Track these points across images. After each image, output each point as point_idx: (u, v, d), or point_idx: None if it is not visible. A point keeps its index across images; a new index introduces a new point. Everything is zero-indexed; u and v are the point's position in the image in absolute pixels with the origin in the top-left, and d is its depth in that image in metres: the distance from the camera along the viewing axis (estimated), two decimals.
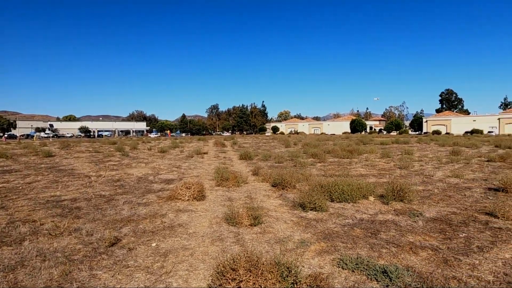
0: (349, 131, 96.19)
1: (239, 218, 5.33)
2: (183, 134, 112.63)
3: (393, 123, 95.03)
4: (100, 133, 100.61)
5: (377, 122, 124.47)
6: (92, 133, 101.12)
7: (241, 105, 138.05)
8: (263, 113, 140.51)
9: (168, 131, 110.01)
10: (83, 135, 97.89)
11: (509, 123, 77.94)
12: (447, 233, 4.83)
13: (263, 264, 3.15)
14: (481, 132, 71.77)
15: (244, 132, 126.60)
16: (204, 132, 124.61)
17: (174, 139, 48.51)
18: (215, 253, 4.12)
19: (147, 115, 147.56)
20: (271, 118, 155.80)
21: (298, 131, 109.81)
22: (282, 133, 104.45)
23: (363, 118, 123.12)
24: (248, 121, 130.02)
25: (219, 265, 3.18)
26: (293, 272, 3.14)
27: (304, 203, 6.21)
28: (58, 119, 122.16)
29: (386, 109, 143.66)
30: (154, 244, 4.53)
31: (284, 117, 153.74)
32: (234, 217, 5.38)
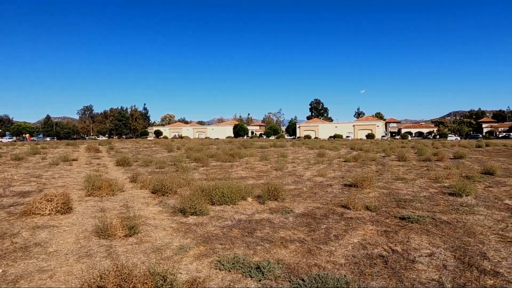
0: (233, 135, 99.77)
1: (112, 229, 4.89)
2: (48, 139, 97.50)
3: (271, 128, 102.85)
4: None
5: (258, 127, 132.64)
6: None
7: (119, 107, 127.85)
8: (145, 116, 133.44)
9: (28, 135, 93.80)
10: None
11: (361, 129, 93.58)
12: (312, 226, 5.46)
13: (136, 276, 2.96)
14: (341, 136, 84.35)
15: (124, 137, 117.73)
16: (75, 136, 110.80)
17: (35, 144, 41.49)
18: (80, 272, 3.67)
19: None
20: (154, 121, 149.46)
21: (182, 136, 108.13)
22: (165, 137, 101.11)
23: (245, 123, 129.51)
24: (128, 124, 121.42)
25: (83, 284, 2.84)
26: (168, 280, 3.04)
27: (185, 208, 6.13)
28: None
29: (265, 115, 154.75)
30: (0, 271, 3.76)
31: (168, 121, 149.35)
32: (106, 229, 4.92)
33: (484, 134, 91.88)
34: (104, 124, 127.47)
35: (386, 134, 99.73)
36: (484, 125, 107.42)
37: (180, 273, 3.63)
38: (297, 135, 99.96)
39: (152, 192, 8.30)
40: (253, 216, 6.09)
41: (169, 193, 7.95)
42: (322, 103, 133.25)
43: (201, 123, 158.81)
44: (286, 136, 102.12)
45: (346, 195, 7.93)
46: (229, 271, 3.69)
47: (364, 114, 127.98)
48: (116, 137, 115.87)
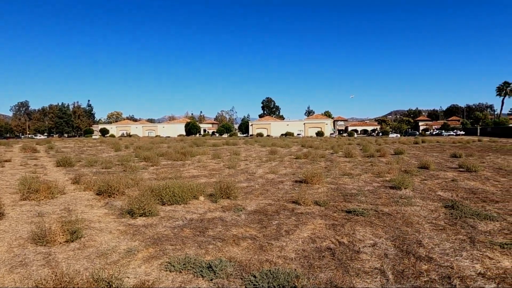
0: (184, 133, 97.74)
1: (51, 235, 4.54)
2: None
3: (224, 126, 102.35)
4: None
5: (211, 125, 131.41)
6: None
7: (60, 104, 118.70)
8: (89, 113, 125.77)
9: None
10: None
11: (311, 127, 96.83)
12: (264, 223, 5.53)
13: (78, 284, 2.78)
14: (292, 134, 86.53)
15: (66, 135, 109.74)
16: (8, 135, 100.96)
17: None
18: (13, 283, 3.35)
19: None
20: (100, 119, 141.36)
21: (131, 134, 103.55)
22: (112, 136, 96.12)
23: (197, 121, 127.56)
24: (70, 122, 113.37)
25: None
26: (114, 285, 2.89)
27: (133, 210, 5.87)
28: None
29: (218, 113, 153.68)
30: None
31: (115, 118, 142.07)
32: (44, 235, 4.55)
33: (420, 131, 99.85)
34: (43, 121, 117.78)
35: (334, 131, 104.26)
36: (420, 123, 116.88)
37: (128, 277, 3.47)
38: (250, 133, 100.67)
39: (97, 194, 7.84)
40: (205, 215, 6.01)
41: (116, 194, 7.57)
42: (274, 102, 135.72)
43: (151, 121, 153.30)
44: (239, 134, 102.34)
45: (297, 191, 8.14)
46: (180, 272, 3.61)
47: (314, 112, 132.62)
48: (57, 135, 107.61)
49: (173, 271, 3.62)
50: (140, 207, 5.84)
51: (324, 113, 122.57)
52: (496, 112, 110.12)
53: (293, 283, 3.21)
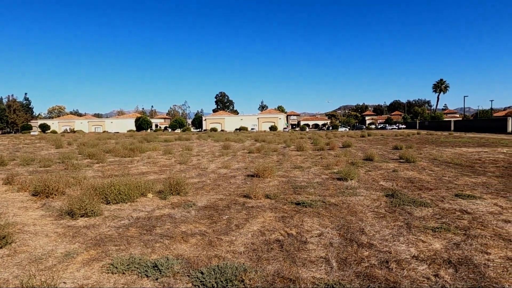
0: (135, 129, 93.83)
1: None
2: None
3: (177, 121, 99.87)
4: None
5: (163, 120, 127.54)
6: None
7: None
8: (27, 108, 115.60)
9: None
10: None
11: (265, 122, 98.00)
12: (214, 218, 5.47)
13: None
14: (246, 129, 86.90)
15: None
16: None
17: None
18: None
19: None
20: (39, 114, 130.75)
21: (75, 130, 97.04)
22: (54, 132, 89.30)
23: (148, 116, 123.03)
24: (4, 117, 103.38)
25: None
26: None
27: (73, 210, 5.49)
28: None
29: (170, 108, 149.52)
30: None
31: (57, 113, 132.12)
32: None
33: (367, 125, 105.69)
34: None
35: (287, 126, 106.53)
36: (367, 118, 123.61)
37: (64, 282, 3.23)
38: (204, 128, 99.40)
39: (33, 195, 7.23)
40: (153, 213, 5.81)
41: (55, 195, 7.03)
42: (228, 96, 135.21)
43: (98, 115, 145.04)
44: (192, 129, 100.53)
45: (249, 185, 8.18)
46: (123, 273, 3.44)
47: (267, 107, 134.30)
48: None
49: (115, 273, 3.44)
50: (81, 207, 5.48)
51: (278, 108, 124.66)
52: (432, 107, 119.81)
53: (241, 277, 3.21)
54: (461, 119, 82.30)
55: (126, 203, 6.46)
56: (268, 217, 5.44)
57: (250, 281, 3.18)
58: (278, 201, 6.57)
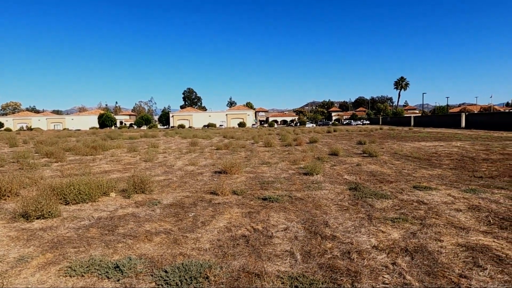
0: (98, 126, 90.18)
1: None
2: None
3: (143, 118, 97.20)
4: None
5: (128, 117, 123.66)
6: None
7: None
8: None
9: None
10: None
11: (234, 118, 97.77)
12: (180, 215, 5.38)
13: None
14: (214, 125, 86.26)
15: None
16: None
17: None
18: None
19: None
20: None
21: (32, 127, 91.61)
22: (8, 129, 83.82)
23: (112, 112, 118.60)
24: None
25: None
26: None
27: (28, 212, 5.18)
28: None
29: (136, 104, 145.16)
30: None
31: (11, 110, 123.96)
32: None
33: (333, 121, 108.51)
34: None
35: (256, 122, 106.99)
36: (333, 114, 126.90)
37: None
38: (171, 124, 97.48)
39: None
40: (115, 212, 5.61)
41: (8, 196, 6.60)
42: (196, 92, 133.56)
43: (57, 112, 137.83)
44: (159, 126, 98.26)
45: (216, 182, 8.13)
46: (82, 276, 3.30)
47: (236, 103, 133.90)
48: None
49: (73, 276, 3.29)
50: (37, 208, 5.18)
51: (246, 104, 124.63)
52: (394, 104, 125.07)
53: (205, 274, 3.18)
54: (420, 115, 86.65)
55: (87, 203, 6.20)
56: (234, 213, 5.44)
57: (215, 278, 3.17)
58: (245, 197, 6.58)
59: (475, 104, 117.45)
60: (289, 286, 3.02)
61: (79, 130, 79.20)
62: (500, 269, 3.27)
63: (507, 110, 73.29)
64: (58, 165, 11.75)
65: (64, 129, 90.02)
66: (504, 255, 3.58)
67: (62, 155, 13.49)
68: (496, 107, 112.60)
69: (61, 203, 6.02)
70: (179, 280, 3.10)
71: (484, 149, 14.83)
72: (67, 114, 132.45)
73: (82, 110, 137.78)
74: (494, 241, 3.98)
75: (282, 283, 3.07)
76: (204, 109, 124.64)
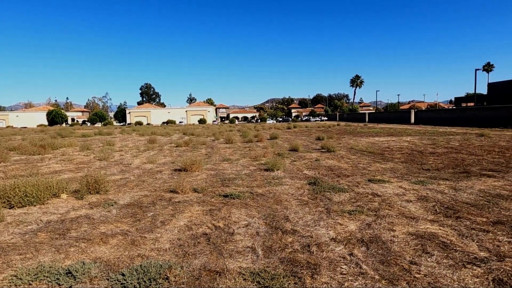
0: (47, 123, 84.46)
1: None
2: None
3: (97, 115, 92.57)
4: None
5: (80, 114, 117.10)
6: None
7: None
8: None
9: None
10: None
11: (194, 115, 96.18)
12: (138, 216, 5.19)
13: None
14: (174, 122, 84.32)
15: None
16: None
17: None
18: None
19: None
20: None
21: None
22: None
23: (63, 109, 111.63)
24: None
25: None
26: None
27: None
28: None
29: (89, 100, 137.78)
30: None
31: None
32: None
33: (293, 118, 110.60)
34: None
35: (216, 119, 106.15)
36: (293, 111, 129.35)
37: None
38: (128, 121, 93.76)
39: None
40: (67, 215, 5.29)
41: None
42: (154, 88, 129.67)
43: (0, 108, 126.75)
44: (115, 123, 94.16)
45: (176, 180, 7.95)
46: (30, 284, 3.07)
47: (196, 100, 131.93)
48: None
49: (20, 285, 3.05)
50: None
51: (207, 100, 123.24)
52: (350, 101, 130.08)
53: (165, 274, 3.10)
54: (374, 111, 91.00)
55: (35, 206, 5.78)
56: (195, 211, 5.35)
57: (175, 278, 3.09)
58: (206, 194, 6.50)
59: (423, 102, 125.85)
60: (251, 282, 3.03)
61: (25, 127, 73.55)
62: (445, 254, 3.53)
63: (450, 107, 79.41)
64: (1, 166, 10.83)
65: (8, 126, 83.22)
66: (449, 242, 3.86)
67: (5, 155, 12.42)
68: (441, 104, 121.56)
69: (5, 207, 5.56)
70: (137, 283, 2.99)
71: (431, 143, 15.92)
72: (11, 110, 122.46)
73: (28, 106, 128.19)
74: (440, 229, 4.28)
75: (244, 280, 3.08)
76: (163, 105, 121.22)
